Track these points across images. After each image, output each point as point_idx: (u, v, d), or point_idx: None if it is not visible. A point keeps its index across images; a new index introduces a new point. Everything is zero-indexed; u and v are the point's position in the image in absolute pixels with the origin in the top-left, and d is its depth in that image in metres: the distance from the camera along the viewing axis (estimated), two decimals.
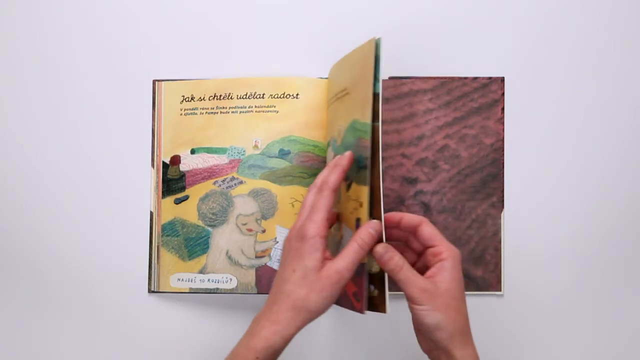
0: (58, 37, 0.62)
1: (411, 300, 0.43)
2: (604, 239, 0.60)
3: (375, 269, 0.46)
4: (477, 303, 0.59)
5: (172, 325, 0.61)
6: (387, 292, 0.45)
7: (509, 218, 0.59)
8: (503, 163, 0.59)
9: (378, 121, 0.44)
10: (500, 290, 0.59)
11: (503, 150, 0.59)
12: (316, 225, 0.43)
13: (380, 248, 0.44)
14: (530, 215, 0.59)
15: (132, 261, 0.60)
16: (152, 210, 0.60)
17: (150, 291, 0.60)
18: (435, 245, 0.45)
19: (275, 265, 0.59)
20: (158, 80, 0.61)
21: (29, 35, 0.62)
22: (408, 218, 0.47)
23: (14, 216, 0.62)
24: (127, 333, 0.61)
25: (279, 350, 0.42)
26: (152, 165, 0.61)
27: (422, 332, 0.45)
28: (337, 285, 0.42)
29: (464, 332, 0.44)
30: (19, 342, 0.62)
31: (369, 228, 0.44)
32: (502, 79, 0.60)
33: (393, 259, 0.44)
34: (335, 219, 0.50)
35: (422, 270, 0.45)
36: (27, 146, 0.62)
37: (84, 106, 0.62)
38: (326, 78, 0.59)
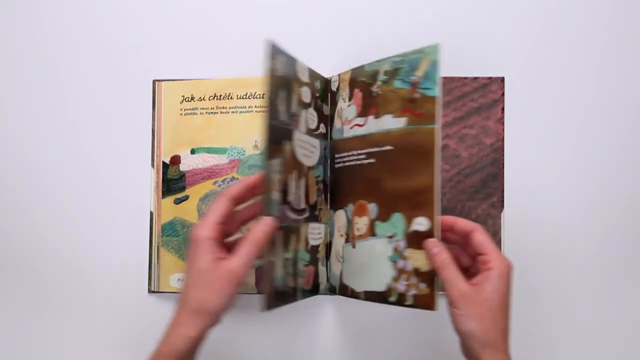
0: (58, 38, 0.62)
1: (449, 302, 0.44)
2: (604, 238, 0.60)
3: (425, 267, 0.46)
4: None
5: None
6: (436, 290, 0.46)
7: (509, 218, 0.59)
8: (503, 163, 0.59)
9: (438, 124, 0.46)
10: None
11: (503, 150, 0.59)
12: (205, 229, 0.44)
13: (430, 242, 0.45)
14: (530, 215, 0.59)
15: (132, 261, 0.60)
16: (152, 210, 0.60)
17: (150, 291, 0.60)
18: (485, 254, 0.45)
19: None
20: (158, 80, 0.61)
21: (30, 36, 0.62)
22: (462, 223, 0.47)
23: (14, 216, 0.62)
24: (127, 333, 0.61)
25: (186, 353, 0.44)
26: (152, 165, 0.61)
27: (457, 333, 0.45)
28: (233, 283, 0.43)
29: (497, 344, 0.43)
30: (19, 342, 0.62)
31: (261, 225, 0.45)
32: (502, 79, 0.59)
33: (440, 256, 0.45)
34: (238, 226, 0.50)
35: (473, 276, 0.45)
36: (27, 146, 0.62)
37: (84, 106, 0.62)
38: (327, 77, 0.59)
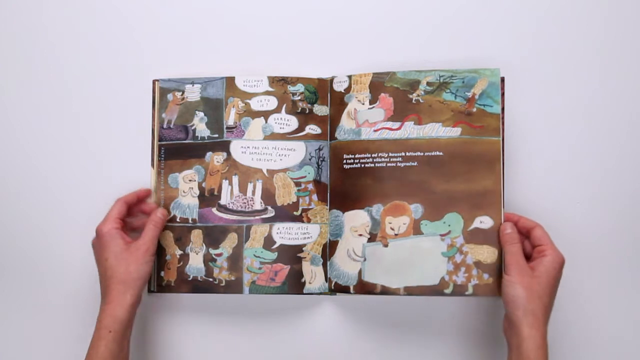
0: (58, 38, 0.62)
1: (505, 270, 0.52)
2: (604, 238, 0.59)
3: (489, 259, 0.54)
4: (477, 303, 0.59)
5: (172, 326, 0.61)
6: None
7: None
8: (503, 163, 0.59)
9: (501, 136, 0.56)
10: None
11: (503, 150, 0.59)
12: (107, 224, 0.54)
13: (507, 224, 0.53)
14: (530, 215, 0.59)
15: None
16: None
17: (150, 291, 0.60)
18: (543, 245, 0.52)
19: None
20: (158, 80, 0.61)
21: (30, 37, 0.62)
22: (525, 220, 0.54)
23: (14, 216, 0.62)
24: None
25: (127, 320, 0.51)
26: (152, 165, 0.61)
27: (504, 304, 0.51)
28: (148, 252, 0.54)
29: (537, 315, 0.48)
30: (18, 341, 0.62)
31: (158, 212, 0.57)
32: (502, 79, 0.59)
33: (511, 234, 0.53)
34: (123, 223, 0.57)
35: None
36: (27, 146, 0.62)
37: (84, 106, 0.62)
38: (326, 78, 0.59)
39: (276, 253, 0.58)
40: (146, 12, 0.62)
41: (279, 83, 0.59)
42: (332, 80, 0.59)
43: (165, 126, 0.60)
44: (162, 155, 0.60)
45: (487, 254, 0.54)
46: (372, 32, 0.61)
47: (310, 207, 0.58)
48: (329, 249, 0.58)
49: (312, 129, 0.59)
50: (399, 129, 0.56)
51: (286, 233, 0.58)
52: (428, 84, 0.56)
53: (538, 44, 0.60)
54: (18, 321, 0.62)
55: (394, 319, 0.60)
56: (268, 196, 0.58)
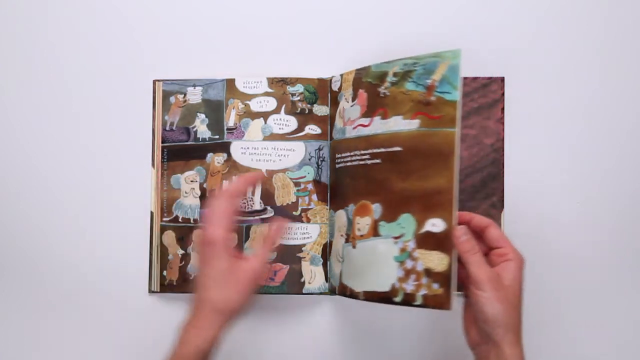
0: (58, 37, 0.62)
1: (476, 285, 0.44)
2: (604, 238, 0.60)
3: (439, 267, 0.47)
4: None
5: (172, 325, 0.61)
6: (453, 290, 0.46)
7: (509, 218, 0.59)
8: (503, 163, 0.59)
9: (458, 127, 0.47)
10: None
11: (503, 150, 0.59)
12: (220, 230, 0.45)
13: (460, 230, 0.46)
14: (530, 216, 0.59)
15: (132, 261, 0.60)
16: (152, 210, 0.60)
17: (150, 291, 0.60)
18: (501, 247, 0.47)
19: None
20: (158, 80, 0.61)
21: (30, 37, 0.62)
22: (478, 219, 0.49)
23: (15, 216, 0.62)
24: (127, 333, 0.61)
25: (208, 353, 0.44)
26: (152, 165, 0.61)
27: (479, 322, 0.46)
28: (254, 282, 0.45)
29: (516, 331, 0.45)
30: (19, 342, 0.62)
31: (275, 226, 0.49)
32: (502, 79, 0.59)
33: (470, 241, 0.45)
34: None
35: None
36: (27, 146, 0.62)
37: (84, 106, 0.62)
38: (326, 78, 0.59)
39: (275, 253, 0.58)
40: (146, 12, 0.62)
41: (278, 84, 0.59)
42: (330, 80, 0.59)
43: (167, 128, 0.60)
44: (165, 157, 0.60)
45: (437, 261, 0.47)
46: (372, 32, 0.61)
47: (309, 207, 0.59)
48: (328, 249, 0.58)
49: (312, 129, 0.59)
50: (369, 125, 0.53)
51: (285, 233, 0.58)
52: (394, 74, 0.51)
53: (538, 43, 0.60)
54: (18, 321, 0.62)
55: (394, 319, 0.60)
56: (267, 196, 0.59)
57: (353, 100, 0.55)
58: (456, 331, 0.60)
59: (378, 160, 0.51)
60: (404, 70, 0.50)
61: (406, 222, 0.48)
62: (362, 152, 0.53)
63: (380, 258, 0.50)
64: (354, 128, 0.54)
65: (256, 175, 0.52)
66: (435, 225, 0.47)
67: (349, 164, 0.54)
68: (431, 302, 0.47)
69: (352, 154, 0.54)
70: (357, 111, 0.54)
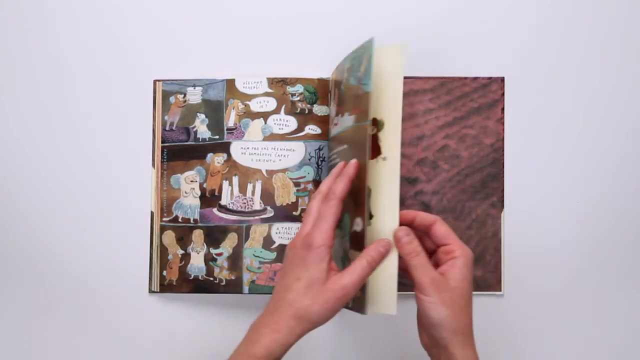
0: (59, 37, 0.62)
1: (419, 290, 0.43)
2: (603, 238, 0.60)
3: None
4: (477, 303, 0.58)
5: (172, 325, 0.61)
6: (367, 294, 0.45)
7: (509, 218, 0.59)
8: (503, 163, 0.59)
9: (369, 120, 0.45)
10: (500, 291, 0.59)
11: (503, 150, 0.59)
12: (323, 235, 0.43)
13: (401, 231, 0.44)
14: (530, 215, 0.59)
15: (132, 261, 0.60)
16: (152, 210, 0.60)
17: (150, 291, 0.60)
18: (448, 244, 0.45)
19: None
20: (158, 80, 0.61)
21: (30, 36, 0.62)
22: (422, 216, 0.47)
23: (15, 216, 0.62)
24: (128, 333, 0.61)
25: (278, 358, 0.42)
26: (152, 165, 0.61)
27: (425, 326, 0.45)
28: (342, 300, 0.42)
29: (466, 332, 0.44)
30: (19, 342, 0.62)
31: (380, 246, 0.43)
32: (502, 79, 0.60)
33: (412, 243, 0.44)
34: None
35: (436, 267, 0.45)
36: (27, 146, 0.62)
37: (84, 106, 0.62)
38: (326, 78, 0.59)
39: (275, 253, 0.58)
40: (146, 12, 0.62)
41: (278, 84, 0.59)
42: (329, 80, 0.59)
43: (167, 128, 0.60)
44: (165, 157, 0.60)
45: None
46: (373, 32, 0.61)
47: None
48: None
49: (312, 129, 0.59)
50: (337, 124, 0.53)
51: (285, 233, 0.58)
52: (347, 70, 0.51)
53: (538, 44, 0.60)
54: (18, 321, 0.62)
55: (394, 319, 0.60)
56: (267, 196, 0.59)
57: (334, 99, 0.56)
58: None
59: (338, 160, 0.51)
60: (350, 64, 0.50)
61: (345, 221, 0.48)
62: (332, 152, 0.55)
63: (336, 258, 0.50)
64: (333, 127, 0.55)
65: (354, 165, 0.45)
66: (357, 224, 0.46)
67: (330, 164, 0.56)
68: (355, 306, 0.46)
69: (330, 154, 0.57)
70: (334, 110, 0.56)
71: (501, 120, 0.59)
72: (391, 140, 0.45)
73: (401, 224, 0.45)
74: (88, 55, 0.62)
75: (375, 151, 0.46)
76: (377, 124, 0.46)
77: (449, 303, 0.43)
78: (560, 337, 0.60)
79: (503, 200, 0.59)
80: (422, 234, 0.47)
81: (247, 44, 0.62)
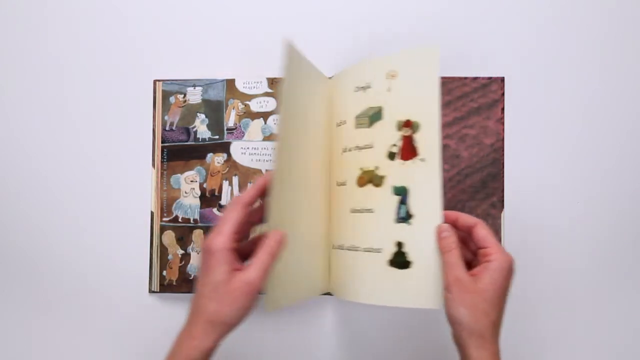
0: (59, 37, 0.62)
1: (445, 286, 0.45)
2: (603, 238, 0.60)
3: None
4: None
5: (172, 325, 0.61)
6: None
7: (509, 218, 0.59)
8: (503, 163, 0.59)
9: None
10: None
11: (503, 150, 0.59)
12: (223, 238, 0.43)
13: (442, 226, 0.46)
14: (530, 215, 0.59)
15: (132, 261, 0.60)
16: (152, 210, 0.60)
17: (150, 291, 0.60)
18: (487, 247, 0.46)
19: None
20: (158, 80, 0.61)
21: (30, 36, 0.62)
22: (464, 218, 0.48)
23: (15, 216, 0.62)
24: (128, 333, 0.61)
25: None
26: (152, 165, 0.61)
27: (448, 322, 0.45)
28: (250, 295, 0.42)
29: (485, 335, 0.43)
30: (19, 342, 0.62)
31: (276, 235, 0.45)
32: (502, 79, 0.60)
33: (448, 239, 0.46)
34: (248, 229, 0.50)
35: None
36: (27, 146, 0.62)
37: (84, 106, 0.62)
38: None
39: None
40: (146, 12, 0.62)
41: (278, 84, 0.59)
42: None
43: (167, 128, 0.60)
44: (165, 157, 0.60)
45: None
46: (373, 32, 0.61)
47: None
48: None
49: None
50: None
51: None
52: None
53: (538, 44, 0.60)
54: (18, 321, 0.62)
55: (394, 319, 0.60)
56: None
57: None
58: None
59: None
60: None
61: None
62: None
63: None
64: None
65: (265, 179, 0.47)
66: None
67: None
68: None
69: None
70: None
71: (501, 120, 0.59)
72: (429, 141, 0.47)
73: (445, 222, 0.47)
74: (88, 55, 0.62)
75: (412, 153, 0.48)
76: (411, 125, 0.48)
77: (469, 304, 0.43)
78: (560, 337, 0.60)
79: (503, 200, 0.59)
80: (466, 235, 0.48)
81: (247, 44, 0.62)
